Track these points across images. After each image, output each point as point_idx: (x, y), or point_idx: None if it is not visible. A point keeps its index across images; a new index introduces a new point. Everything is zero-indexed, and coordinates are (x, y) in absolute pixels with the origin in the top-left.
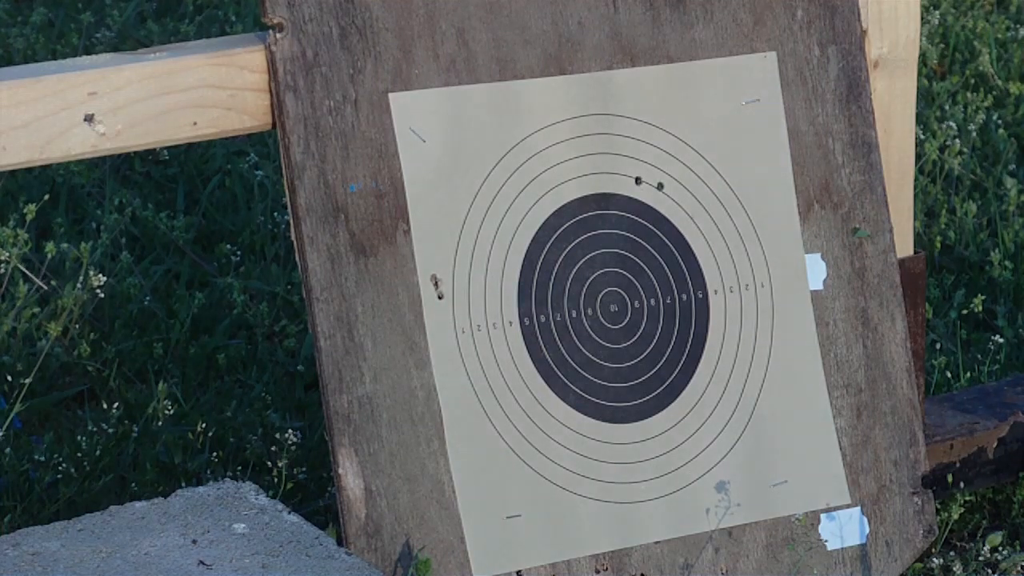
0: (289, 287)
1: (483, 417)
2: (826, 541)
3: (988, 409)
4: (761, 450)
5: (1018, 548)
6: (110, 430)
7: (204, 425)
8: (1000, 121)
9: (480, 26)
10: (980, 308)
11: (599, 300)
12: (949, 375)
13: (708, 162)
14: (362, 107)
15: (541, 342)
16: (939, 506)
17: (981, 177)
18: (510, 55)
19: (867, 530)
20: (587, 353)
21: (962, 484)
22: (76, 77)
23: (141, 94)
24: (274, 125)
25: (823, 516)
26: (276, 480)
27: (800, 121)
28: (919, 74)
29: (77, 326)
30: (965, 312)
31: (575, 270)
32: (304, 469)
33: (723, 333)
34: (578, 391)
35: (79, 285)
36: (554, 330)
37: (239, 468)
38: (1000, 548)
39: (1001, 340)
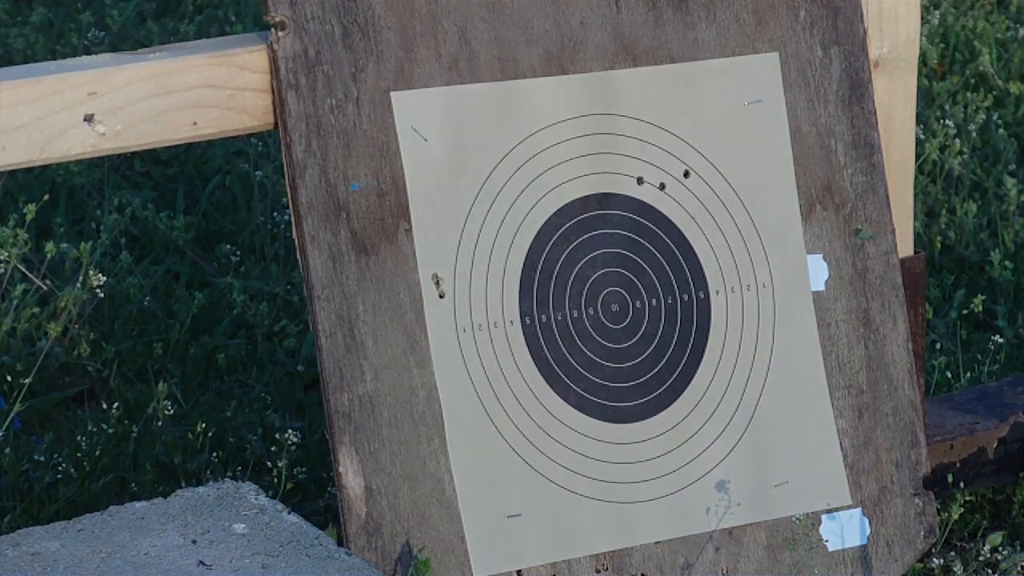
0: (289, 287)
1: (484, 416)
2: (827, 542)
3: (988, 409)
4: (762, 450)
5: (1018, 548)
6: (110, 430)
7: (204, 425)
8: (1000, 121)
9: (482, 25)
10: (980, 308)
11: (600, 300)
12: (949, 375)
13: (710, 162)
14: (364, 106)
15: (542, 341)
16: (939, 506)
17: (981, 177)
18: (512, 54)
19: (868, 531)
20: (588, 353)
21: (962, 484)
22: (76, 77)
23: (141, 94)
24: (275, 125)
25: (824, 517)
26: (276, 480)
27: (802, 122)
28: (919, 74)
29: (77, 326)
30: (965, 312)
31: (576, 270)
32: (304, 469)
33: (724, 333)
34: (579, 391)
35: (79, 285)
36: (555, 330)
37: (239, 468)
38: (1000, 548)
39: (1001, 340)
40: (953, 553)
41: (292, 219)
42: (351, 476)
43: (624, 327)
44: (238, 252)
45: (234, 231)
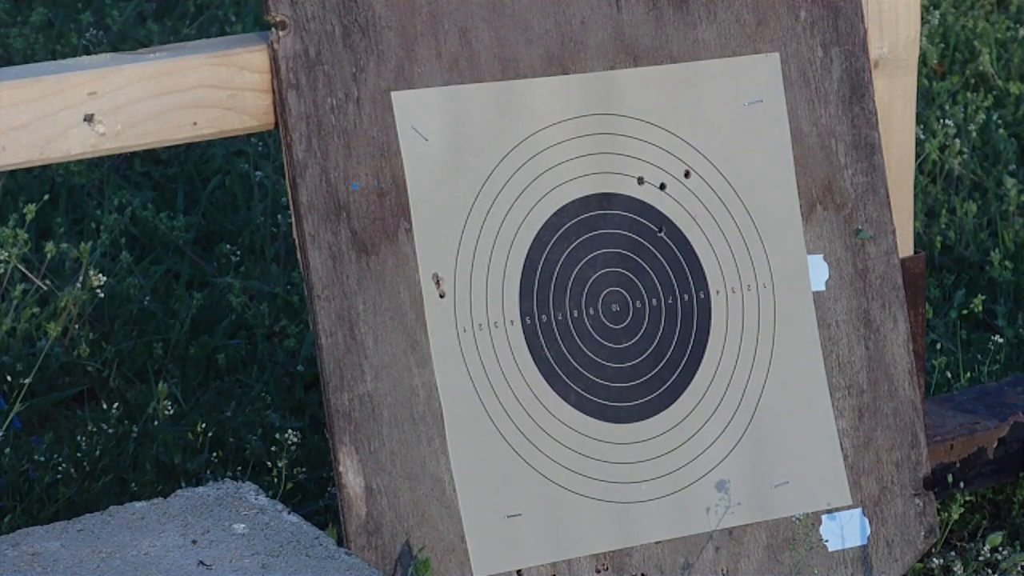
0: (289, 287)
1: (484, 416)
2: (827, 542)
3: (988, 409)
4: (762, 451)
5: (1018, 548)
6: (110, 430)
7: (204, 425)
8: (1000, 121)
9: (483, 25)
10: (980, 308)
11: (601, 300)
12: (949, 375)
13: (710, 162)
14: (364, 105)
15: (542, 341)
16: (939, 506)
17: (981, 177)
18: (513, 54)
19: (868, 531)
20: (589, 353)
21: (962, 484)
22: (76, 77)
23: (141, 94)
24: (275, 125)
25: (824, 517)
26: (276, 480)
27: (803, 122)
28: (919, 74)
29: (77, 326)
30: (965, 312)
31: (577, 270)
32: (304, 469)
33: (725, 334)
34: (579, 391)
35: (79, 285)
36: (556, 329)
37: (239, 468)
38: (1000, 548)
39: (1001, 340)
40: (953, 553)
41: (292, 219)
42: (351, 476)
43: (624, 327)
44: (238, 252)
45: (234, 231)
